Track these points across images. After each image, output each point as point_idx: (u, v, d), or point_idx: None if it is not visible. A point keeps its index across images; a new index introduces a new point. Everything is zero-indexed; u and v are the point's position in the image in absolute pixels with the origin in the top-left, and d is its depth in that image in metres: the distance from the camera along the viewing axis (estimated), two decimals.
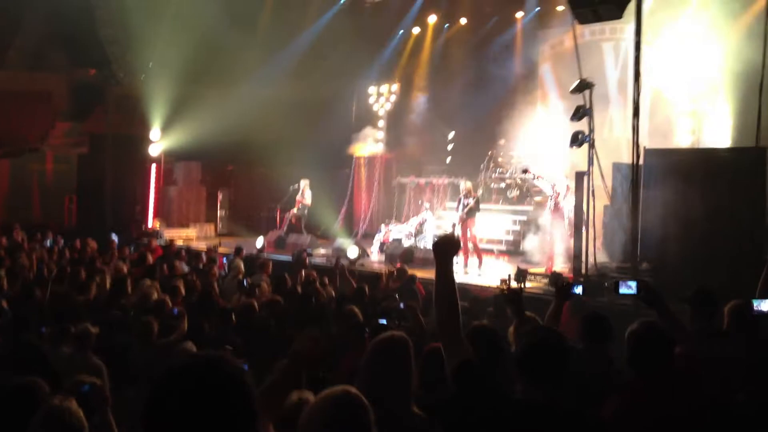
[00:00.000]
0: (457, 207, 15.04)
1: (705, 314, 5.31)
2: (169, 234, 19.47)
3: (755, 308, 5.28)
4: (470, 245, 14.84)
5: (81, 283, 9.55)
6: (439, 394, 4.20)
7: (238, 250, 14.07)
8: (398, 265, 12.80)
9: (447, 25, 21.38)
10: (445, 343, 3.18)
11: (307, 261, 13.80)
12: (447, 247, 3.32)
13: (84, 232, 16.80)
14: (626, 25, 14.39)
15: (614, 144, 14.32)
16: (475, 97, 19.63)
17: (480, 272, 14.09)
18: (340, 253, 15.65)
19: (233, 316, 7.72)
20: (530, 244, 15.03)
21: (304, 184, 18.24)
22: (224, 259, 13.96)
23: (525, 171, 15.71)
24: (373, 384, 3.43)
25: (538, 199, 17.01)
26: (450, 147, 20.84)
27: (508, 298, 5.10)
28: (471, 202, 14.62)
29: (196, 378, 1.68)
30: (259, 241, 17.25)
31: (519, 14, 19.78)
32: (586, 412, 2.94)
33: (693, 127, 15.05)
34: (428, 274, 13.58)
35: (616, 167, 12.45)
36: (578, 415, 2.91)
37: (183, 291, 9.25)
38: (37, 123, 23.67)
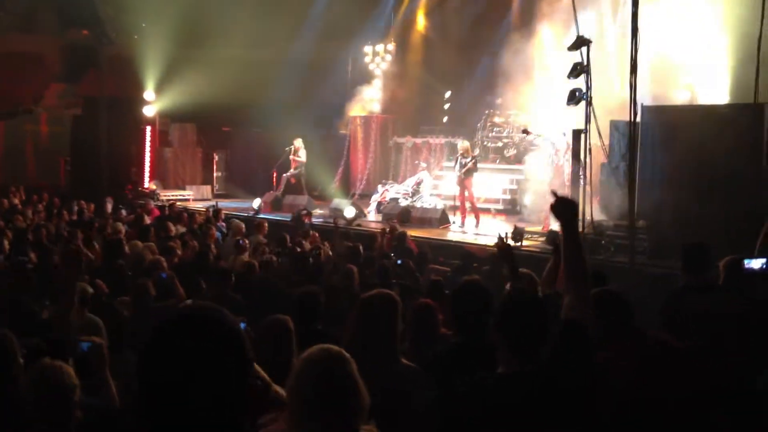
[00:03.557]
0: (455, 167, 15.02)
1: (696, 269, 5.32)
2: (165, 195, 19.45)
3: (746, 266, 5.29)
4: (468, 204, 14.86)
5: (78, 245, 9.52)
6: (432, 348, 4.24)
7: (215, 213, 13.98)
8: (393, 223, 12.81)
9: None
10: (570, 300, 3.17)
11: (308, 221, 13.77)
12: (565, 209, 3.29)
13: (79, 194, 16.77)
14: None
15: (613, 102, 14.21)
16: (472, 55, 19.45)
17: (477, 231, 14.11)
18: (338, 213, 15.64)
19: (232, 276, 7.72)
20: (527, 202, 15.04)
21: (298, 143, 18.16)
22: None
23: (525, 131, 15.71)
24: (362, 337, 3.62)
25: (535, 156, 16.94)
26: (446, 106, 20.72)
27: (502, 255, 5.07)
28: (468, 161, 14.60)
29: (188, 328, 1.68)
30: (256, 203, 17.23)
31: None
32: (561, 384, 2.91)
33: (690, 84, 14.94)
34: (425, 233, 13.64)
35: (614, 125, 12.39)
36: (550, 387, 2.88)
37: (180, 252, 9.24)
38: (30, 84, 23.48)
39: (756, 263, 5.65)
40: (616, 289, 4.02)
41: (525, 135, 15.94)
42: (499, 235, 5.57)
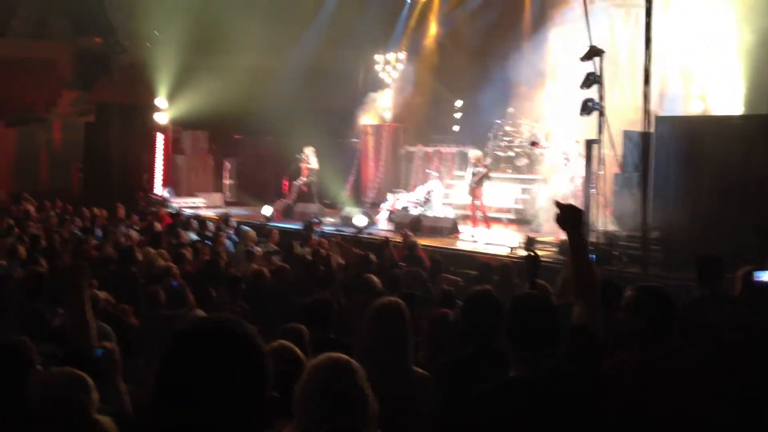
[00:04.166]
0: (466, 176, 15.01)
1: (709, 280, 5.29)
2: (176, 203, 19.50)
3: (756, 278, 5.22)
4: (479, 214, 14.83)
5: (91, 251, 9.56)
6: (446, 357, 4.23)
7: (226, 220, 13.99)
8: (404, 232, 12.79)
9: None
10: (580, 308, 3.15)
11: (318, 229, 13.76)
12: (569, 218, 3.27)
13: (91, 201, 16.84)
14: None
15: (625, 112, 14.19)
16: (483, 64, 19.43)
17: (488, 241, 14.07)
18: (348, 221, 15.65)
19: (241, 284, 7.71)
20: (539, 212, 14.99)
21: (309, 151, 18.21)
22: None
23: (533, 143, 15.71)
24: (373, 345, 3.67)
25: (547, 167, 16.92)
26: (458, 115, 20.71)
27: (529, 264, 5.01)
28: (480, 170, 14.58)
29: (207, 339, 1.66)
30: (267, 210, 17.24)
31: None
32: (570, 387, 2.89)
33: (703, 95, 14.88)
34: (436, 242, 13.61)
35: (627, 135, 12.35)
36: (561, 390, 2.87)
37: (191, 258, 9.25)
38: (43, 91, 23.65)
39: (767, 276, 5.58)
40: (660, 286, 3.91)
41: (532, 147, 15.99)
42: (530, 245, 5.48)
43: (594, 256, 5.38)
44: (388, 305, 3.85)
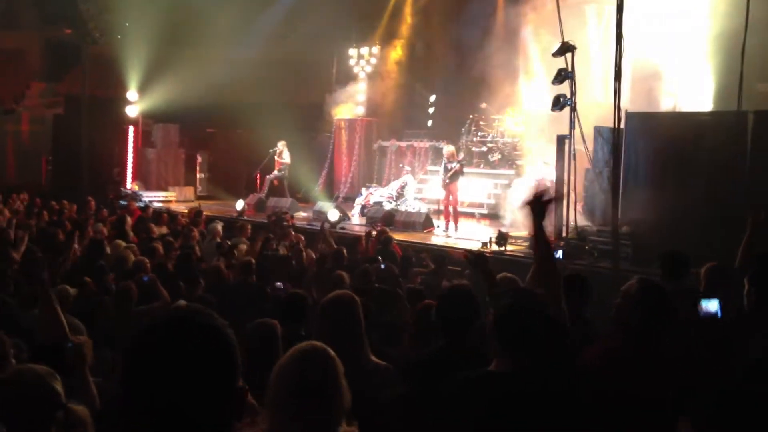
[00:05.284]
0: (440, 171, 15.03)
1: (673, 275, 5.34)
2: (147, 197, 19.33)
3: (703, 309, 5.00)
4: (452, 209, 14.85)
5: (59, 245, 9.44)
6: (428, 348, 4.23)
7: (198, 214, 13.90)
8: (378, 227, 12.77)
9: None
10: (541, 294, 3.17)
11: (289, 223, 13.68)
12: (541, 209, 3.27)
13: (60, 194, 16.63)
14: None
15: (595, 108, 14.29)
16: (457, 59, 19.48)
17: (458, 235, 14.11)
18: (321, 216, 15.58)
19: (201, 279, 7.66)
20: (511, 207, 15.06)
21: (282, 145, 18.15)
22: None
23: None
24: (328, 338, 3.59)
25: (519, 162, 17.02)
26: (431, 110, 20.75)
27: (472, 262, 4.98)
28: (454, 165, 14.60)
29: (176, 331, 1.64)
30: (239, 204, 17.16)
31: None
32: (553, 382, 2.92)
33: (672, 90, 15.03)
34: (409, 237, 13.62)
35: (598, 131, 12.43)
36: (545, 385, 2.89)
37: (162, 252, 9.17)
38: (11, 83, 23.32)
39: (712, 305, 5.31)
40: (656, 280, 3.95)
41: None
42: (469, 250, 5.45)
43: (561, 250, 5.40)
44: (338, 298, 3.89)
